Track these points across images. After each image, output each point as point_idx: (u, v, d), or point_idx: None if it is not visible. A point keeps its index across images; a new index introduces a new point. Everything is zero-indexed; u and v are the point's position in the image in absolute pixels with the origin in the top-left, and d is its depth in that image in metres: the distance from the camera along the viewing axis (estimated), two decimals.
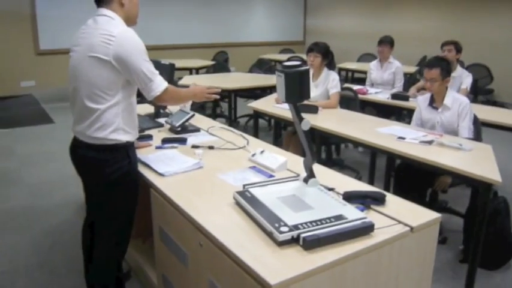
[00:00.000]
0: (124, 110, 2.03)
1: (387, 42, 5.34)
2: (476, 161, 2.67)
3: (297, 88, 1.67)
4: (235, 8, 10.90)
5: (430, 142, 2.95)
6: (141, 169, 2.26)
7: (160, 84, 2.06)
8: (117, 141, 2.02)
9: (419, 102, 3.60)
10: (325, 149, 4.72)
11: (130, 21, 2.12)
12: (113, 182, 2.06)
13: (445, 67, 3.29)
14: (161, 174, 2.18)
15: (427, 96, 3.51)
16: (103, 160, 2.03)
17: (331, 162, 4.62)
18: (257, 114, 4.35)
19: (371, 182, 3.84)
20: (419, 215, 1.77)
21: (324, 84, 4.16)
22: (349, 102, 4.52)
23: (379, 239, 1.56)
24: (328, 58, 4.15)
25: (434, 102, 3.42)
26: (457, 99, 3.33)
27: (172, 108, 3.36)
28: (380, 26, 9.78)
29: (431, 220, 1.74)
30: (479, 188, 2.54)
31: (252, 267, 1.39)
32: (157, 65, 3.22)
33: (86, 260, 2.43)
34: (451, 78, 3.48)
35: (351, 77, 8.09)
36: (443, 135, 3.14)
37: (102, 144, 2.01)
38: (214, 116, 6.45)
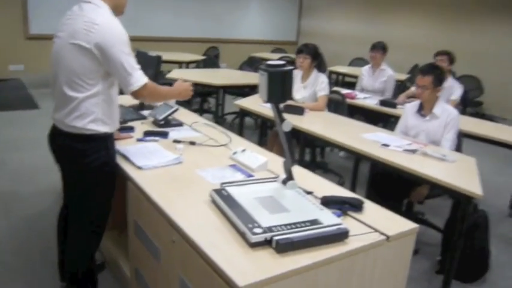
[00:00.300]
0: (104, 101, 1.99)
1: (380, 48, 5.29)
2: (459, 173, 2.67)
3: (279, 88, 1.64)
4: (229, 4, 10.86)
5: (413, 151, 2.94)
6: (120, 161, 2.22)
7: (139, 79, 1.99)
8: (95, 131, 1.98)
9: (406, 108, 3.58)
10: (309, 151, 4.70)
11: (117, 10, 2.07)
12: (89, 172, 2.03)
13: (438, 75, 3.26)
14: (139, 167, 2.14)
15: (415, 103, 3.49)
16: (80, 149, 1.99)
17: (314, 165, 4.61)
18: (243, 112, 4.32)
19: (353, 187, 3.84)
20: (396, 224, 1.75)
21: (313, 86, 4.15)
22: (337, 105, 4.51)
23: (354, 246, 1.54)
24: (317, 60, 4.14)
25: (423, 110, 3.39)
26: (446, 110, 3.31)
27: None
28: (373, 31, 9.83)
29: (408, 230, 1.73)
30: (460, 200, 2.54)
31: (221, 267, 1.36)
32: (144, 56, 3.20)
33: (60, 248, 2.40)
34: (441, 89, 3.46)
35: (341, 81, 8.10)
36: (427, 145, 3.14)
37: (80, 134, 1.98)
38: (201, 111, 6.42)
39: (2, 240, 3.03)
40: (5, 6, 8.10)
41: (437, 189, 2.78)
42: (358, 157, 3.80)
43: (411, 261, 1.81)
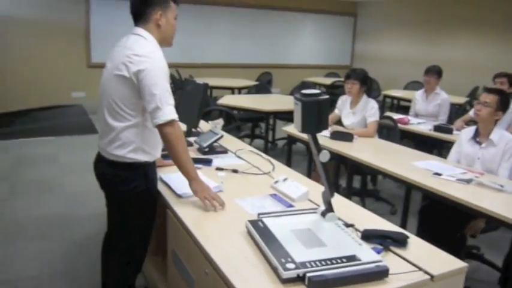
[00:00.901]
0: (144, 131, 2.02)
1: (434, 71, 5.11)
2: None
3: (315, 118, 1.59)
4: (283, 29, 10.90)
5: (468, 181, 2.77)
6: (162, 188, 2.24)
7: (167, 113, 1.90)
8: (135, 160, 2.02)
9: (462, 134, 3.39)
10: (360, 178, 4.56)
11: (165, 42, 2.10)
12: (129, 200, 2.06)
13: (504, 99, 3.10)
14: (179, 196, 2.14)
15: (471, 128, 3.30)
16: (120, 177, 2.03)
17: (365, 193, 4.46)
18: (292, 138, 4.27)
19: (405, 217, 3.67)
20: (443, 262, 1.63)
21: (362, 112, 4.05)
22: (389, 131, 4.37)
23: (394, 286, 1.44)
24: (366, 85, 4.05)
25: (479, 136, 3.20)
26: (504, 137, 3.11)
27: (203, 127, 3.34)
28: (430, 53, 9.53)
29: (456, 269, 1.60)
30: None
31: None
32: (192, 84, 3.26)
33: (103, 273, 2.43)
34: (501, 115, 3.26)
35: (396, 105, 7.89)
36: (483, 174, 2.95)
37: (121, 162, 2.01)
38: (252, 136, 6.43)
39: (54, 262, 3.13)
40: (70, 37, 8.62)
41: (494, 222, 2.58)
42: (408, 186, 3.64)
43: None
